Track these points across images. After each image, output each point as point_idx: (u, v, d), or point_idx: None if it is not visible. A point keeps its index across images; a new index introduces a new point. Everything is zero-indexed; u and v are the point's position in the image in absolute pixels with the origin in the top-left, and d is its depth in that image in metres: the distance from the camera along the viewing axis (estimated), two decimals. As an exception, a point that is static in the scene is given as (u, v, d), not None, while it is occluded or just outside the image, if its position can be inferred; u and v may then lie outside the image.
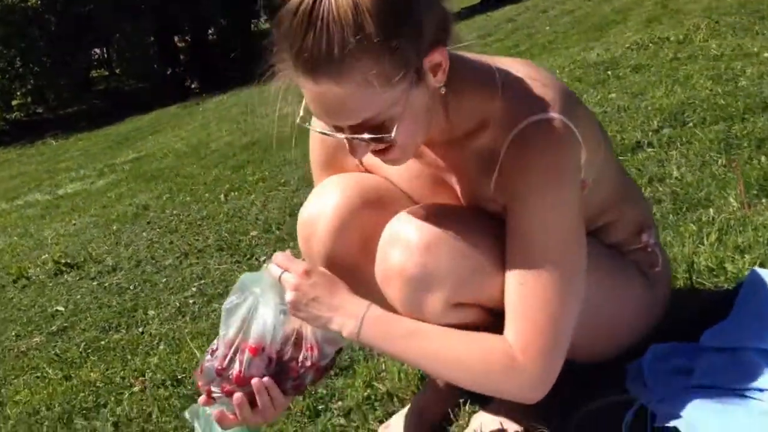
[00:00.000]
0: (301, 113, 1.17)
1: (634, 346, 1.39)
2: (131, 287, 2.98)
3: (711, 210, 2.03)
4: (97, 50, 19.08)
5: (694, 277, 1.70)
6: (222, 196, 4.15)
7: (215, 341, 1.27)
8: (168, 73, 15.94)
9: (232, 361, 1.24)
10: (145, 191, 5.19)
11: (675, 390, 1.23)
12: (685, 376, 1.28)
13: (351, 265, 1.31)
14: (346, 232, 1.31)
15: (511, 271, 1.16)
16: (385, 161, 1.17)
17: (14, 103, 15.89)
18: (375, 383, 1.68)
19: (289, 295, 1.23)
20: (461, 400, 1.49)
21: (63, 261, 3.58)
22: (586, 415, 1.33)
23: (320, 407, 1.68)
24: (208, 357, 1.26)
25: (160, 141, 8.25)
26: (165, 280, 2.94)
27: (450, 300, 1.18)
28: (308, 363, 1.27)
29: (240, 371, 1.23)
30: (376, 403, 1.63)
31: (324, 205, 1.32)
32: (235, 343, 1.24)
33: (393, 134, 1.09)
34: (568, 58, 5.21)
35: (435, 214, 1.20)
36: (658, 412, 1.21)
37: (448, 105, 1.18)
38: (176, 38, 17.22)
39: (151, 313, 2.61)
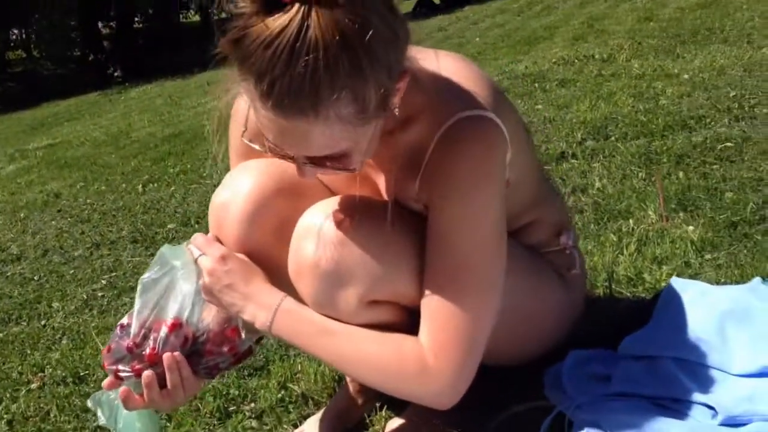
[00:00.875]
0: (244, 128, 1.09)
1: (550, 349, 1.38)
2: (36, 278, 2.81)
3: (631, 221, 2.07)
4: (15, 30, 18.23)
5: (613, 286, 1.72)
6: (140, 186, 3.99)
7: (125, 316, 1.20)
8: (90, 59, 15.34)
9: (145, 338, 1.16)
10: (57, 179, 4.95)
11: (593, 397, 1.23)
12: (604, 383, 1.28)
13: (265, 254, 1.25)
14: (259, 218, 1.24)
15: (429, 272, 1.12)
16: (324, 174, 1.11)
17: None
18: (290, 384, 1.63)
19: (203, 279, 1.18)
20: (377, 404, 1.45)
21: (-38, 247, 3.36)
22: (503, 420, 1.32)
23: (231, 408, 1.61)
24: (118, 333, 1.18)
25: (78, 128, 7.92)
26: (73, 271, 2.79)
27: (364, 297, 1.14)
28: (225, 348, 1.21)
29: (154, 348, 1.15)
30: (290, 406, 1.57)
31: (237, 190, 1.25)
32: (150, 319, 1.17)
33: (355, 165, 1.04)
34: (496, 69, 5.28)
35: (352, 207, 1.15)
36: (575, 419, 1.21)
37: None
38: (100, 24, 16.62)
39: (55, 305, 2.46)
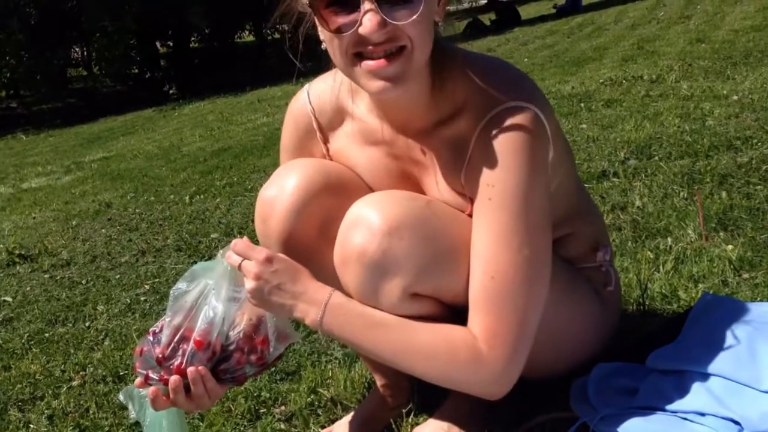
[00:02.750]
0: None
1: (582, 364, 1.37)
2: (83, 282, 2.91)
3: (669, 239, 2.04)
4: (77, 49, 18.88)
5: (646, 302, 1.70)
6: (187, 198, 4.09)
7: (158, 322, 1.23)
8: (147, 76, 15.79)
9: (174, 350, 1.19)
10: (110, 189, 5.11)
11: (617, 410, 1.22)
12: (630, 396, 1.26)
13: (308, 249, 1.28)
14: (305, 213, 1.27)
15: (478, 262, 1.14)
16: (383, 76, 1.09)
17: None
18: (320, 389, 1.65)
19: (249, 284, 1.19)
20: (404, 411, 1.46)
21: (17, 252, 3.49)
22: (528, 430, 1.31)
23: (262, 410, 1.64)
24: (150, 338, 1.21)
25: (132, 142, 8.14)
26: (118, 276, 2.88)
27: (408, 289, 1.15)
28: (253, 358, 1.23)
29: (182, 363, 1.18)
30: (320, 410, 1.60)
31: (283, 185, 1.29)
32: (180, 331, 1.19)
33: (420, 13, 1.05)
34: (543, 90, 5.24)
35: (400, 200, 1.18)
36: (598, 431, 1.20)
37: (434, 83, 1.18)
38: (158, 43, 17.10)
39: (100, 308, 2.54)
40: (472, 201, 1.17)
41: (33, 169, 7.37)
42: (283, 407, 1.64)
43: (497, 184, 1.12)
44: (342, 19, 1.08)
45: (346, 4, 1.06)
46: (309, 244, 1.28)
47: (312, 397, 1.63)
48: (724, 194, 2.30)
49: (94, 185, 5.54)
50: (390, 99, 1.17)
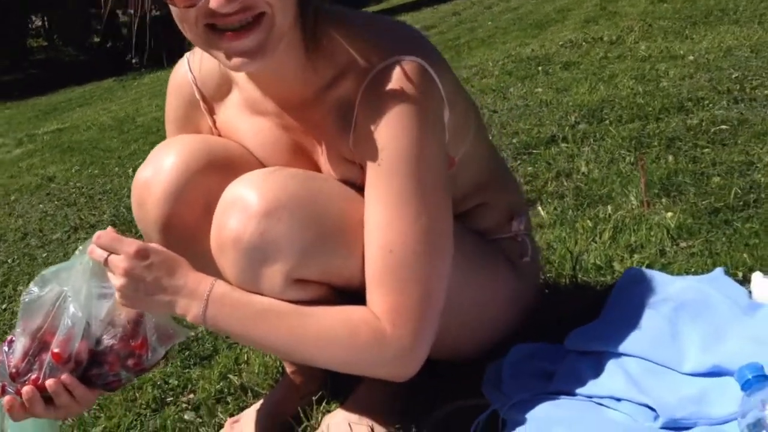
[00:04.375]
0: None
1: (499, 342, 1.28)
2: (9, 261, 2.76)
3: (609, 207, 1.95)
4: (36, 18, 18.33)
5: (580, 275, 1.61)
6: (131, 170, 3.93)
7: (14, 330, 1.10)
8: (108, 45, 15.37)
9: (30, 363, 1.05)
10: (57, 162, 4.92)
11: (530, 396, 1.12)
12: (547, 380, 1.17)
13: (192, 233, 1.16)
14: (185, 195, 1.15)
15: (373, 236, 1.04)
16: (241, 51, 0.98)
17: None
18: (231, 375, 1.54)
19: (118, 281, 1.05)
20: (315, 398, 1.36)
21: (-54, 231, 3.33)
22: (442, 416, 1.22)
23: (169, 399, 1.53)
24: (5, 348, 1.08)
25: (88, 113, 7.90)
26: (45, 255, 2.73)
27: (291, 274, 1.04)
28: (129, 362, 1.10)
29: (38, 377, 1.04)
30: (229, 397, 1.49)
31: (160, 166, 1.16)
32: (37, 339, 1.05)
33: None
34: (503, 53, 5.14)
35: (281, 178, 1.06)
36: (509, 419, 1.10)
37: (307, 46, 1.06)
38: (119, 11, 16.65)
39: (20, 288, 2.40)
40: (362, 167, 1.06)
41: (-15, 143, 7.13)
42: (191, 395, 1.53)
43: (386, 148, 1.01)
44: None
45: None
46: (192, 228, 1.16)
47: (222, 383, 1.53)
48: (670, 158, 2.21)
49: (42, 158, 5.35)
50: (260, 72, 1.04)
